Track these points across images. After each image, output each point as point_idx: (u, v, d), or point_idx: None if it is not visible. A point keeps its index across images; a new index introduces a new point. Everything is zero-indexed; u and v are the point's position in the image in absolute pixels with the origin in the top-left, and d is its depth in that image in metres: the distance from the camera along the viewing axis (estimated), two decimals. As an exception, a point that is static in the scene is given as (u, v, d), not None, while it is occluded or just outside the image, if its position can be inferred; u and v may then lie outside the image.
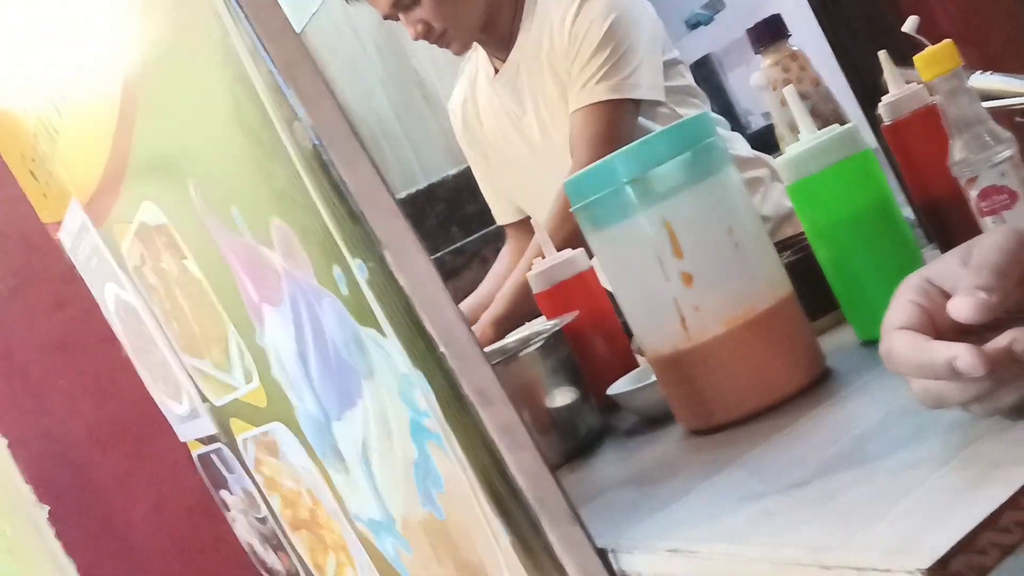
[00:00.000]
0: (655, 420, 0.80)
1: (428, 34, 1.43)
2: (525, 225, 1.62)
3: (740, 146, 1.50)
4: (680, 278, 0.66)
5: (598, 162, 0.68)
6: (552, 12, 1.42)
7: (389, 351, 0.58)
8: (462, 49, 1.48)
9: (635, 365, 0.92)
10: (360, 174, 0.53)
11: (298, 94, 0.52)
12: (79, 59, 0.81)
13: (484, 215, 1.88)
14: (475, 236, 2.91)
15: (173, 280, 0.86)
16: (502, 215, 1.64)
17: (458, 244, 2.95)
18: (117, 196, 0.87)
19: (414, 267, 0.54)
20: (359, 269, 0.56)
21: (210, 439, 1.06)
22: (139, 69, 0.71)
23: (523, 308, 1.28)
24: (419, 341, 0.55)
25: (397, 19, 1.44)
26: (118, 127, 0.79)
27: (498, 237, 2.84)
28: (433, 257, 2.93)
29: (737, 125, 2.89)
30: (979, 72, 1.12)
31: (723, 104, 3.02)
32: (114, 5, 0.71)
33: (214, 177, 0.68)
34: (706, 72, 3.11)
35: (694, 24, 3.16)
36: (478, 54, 1.55)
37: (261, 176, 0.62)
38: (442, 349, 0.54)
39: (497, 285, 1.54)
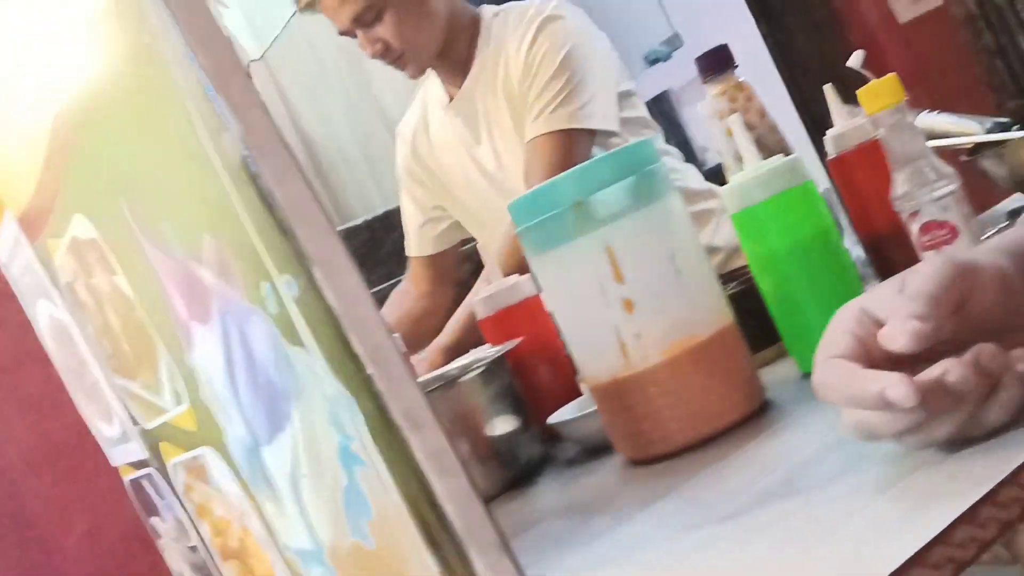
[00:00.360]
0: (596, 450, 0.79)
1: (386, 53, 1.41)
2: (434, 263, 1.60)
3: (692, 177, 1.51)
4: (621, 304, 0.65)
5: (541, 185, 0.67)
6: (508, 41, 1.42)
7: (318, 372, 0.57)
8: (418, 73, 1.47)
9: (580, 394, 0.91)
10: (290, 187, 0.51)
11: (228, 103, 0.50)
12: (11, 74, 0.79)
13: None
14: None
15: (104, 297, 0.83)
16: (419, 247, 1.62)
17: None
18: (51, 210, 0.85)
19: (344, 285, 0.52)
20: (287, 286, 0.54)
21: (141, 464, 1.02)
22: (72, 85, 0.69)
23: (473, 336, 1.27)
24: (347, 362, 0.53)
25: (355, 36, 1.43)
26: (51, 140, 0.76)
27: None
28: (389, 284, 2.91)
29: (693, 161, 2.92)
30: (927, 111, 1.14)
31: (680, 140, 3.04)
32: (46, 22, 0.69)
33: (145, 190, 0.66)
34: (664, 108, 3.14)
35: (653, 60, 3.19)
36: (431, 81, 1.54)
37: (192, 189, 0.60)
38: (370, 370, 0.52)
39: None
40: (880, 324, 0.47)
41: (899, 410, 0.44)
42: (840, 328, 0.48)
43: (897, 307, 0.46)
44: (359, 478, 0.59)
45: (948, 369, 0.44)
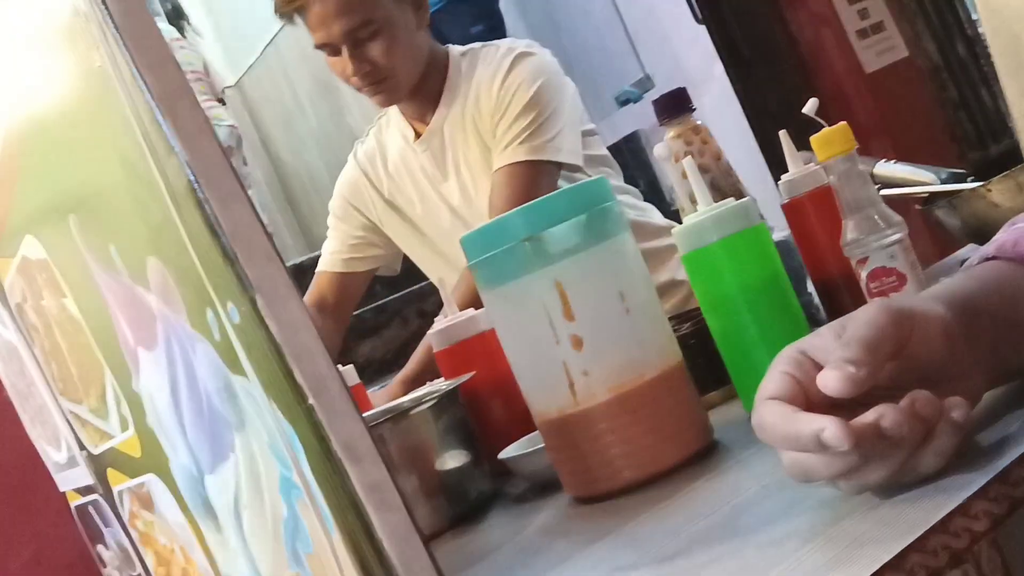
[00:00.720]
0: (545, 486, 0.78)
1: (371, 75, 1.40)
2: (340, 282, 1.58)
3: (653, 215, 1.52)
4: (570, 341, 0.65)
5: (494, 219, 0.68)
6: (479, 76, 1.43)
7: (260, 402, 0.56)
8: (391, 101, 1.47)
9: (533, 429, 0.90)
10: (235, 214, 0.51)
11: (175, 128, 0.50)
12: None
13: (409, 273, 1.85)
14: (398, 294, 2.89)
15: (53, 319, 0.82)
16: (331, 263, 1.59)
17: (380, 302, 2.93)
18: (1, 230, 0.84)
19: (287, 313, 0.52)
20: (231, 314, 0.54)
21: (87, 489, 1.01)
22: (23, 106, 0.68)
23: (434, 368, 1.26)
24: (289, 392, 0.53)
25: (334, 52, 1.41)
26: (1, 160, 0.76)
27: (421, 297, 2.83)
28: (354, 314, 2.88)
29: (662, 201, 2.95)
30: (883, 160, 1.16)
31: (649, 179, 3.07)
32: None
33: (94, 213, 0.66)
34: (634, 148, 3.17)
35: (624, 101, 3.23)
36: (391, 116, 1.55)
37: (139, 213, 0.59)
38: (311, 400, 0.52)
39: None
40: (819, 367, 0.48)
41: (834, 453, 0.44)
42: (779, 370, 0.49)
43: (834, 352, 0.47)
44: (299, 510, 0.59)
45: (883, 414, 0.44)
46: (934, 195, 1.10)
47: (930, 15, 2.57)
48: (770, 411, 0.47)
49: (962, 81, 2.62)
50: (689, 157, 0.72)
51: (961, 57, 2.63)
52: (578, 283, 0.66)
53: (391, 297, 2.93)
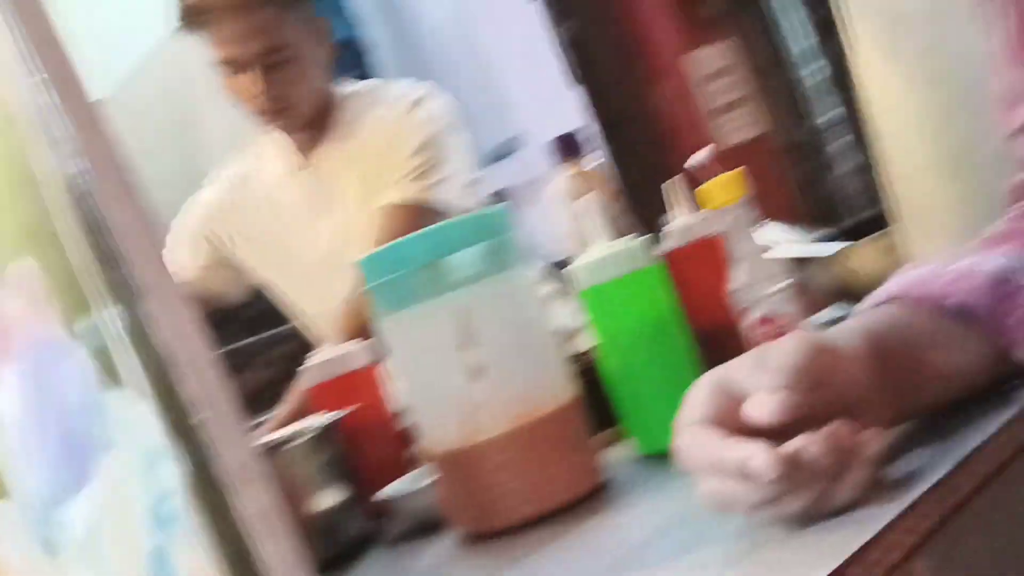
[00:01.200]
0: (427, 527, 0.75)
1: (278, 99, 1.37)
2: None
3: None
4: (467, 371, 0.63)
5: (395, 242, 0.65)
6: (377, 112, 1.44)
7: (135, 420, 0.51)
8: (287, 129, 1.44)
9: (410, 470, 0.87)
10: (125, 211, 0.47)
11: (64, 115, 0.46)
12: None
13: (267, 316, 1.79)
14: (258, 337, 2.79)
15: None
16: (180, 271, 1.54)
17: (238, 344, 2.82)
18: None
19: (176, 321, 0.48)
20: (112, 320, 0.49)
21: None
22: None
23: (308, 408, 1.22)
24: (174, 407, 0.48)
25: (241, 71, 1.35)
26: None
27: (285, 340, 2.74)
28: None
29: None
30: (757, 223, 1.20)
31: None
32: None
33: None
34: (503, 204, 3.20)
35: (494, 158, 3.26)
36: (263, 147, 1.52)
37: (11, 207, 0.54)
38: (198, 418, 0.48)
39: None
40: (738, 396, 0.47)
41: (758, 481, 0.44)
42: (702, 396, 0.48)
43: (762, 379, 0.46)
44: (169, 540, 0.54)
45: (806, 445, 0.44)
46: (802, 257, 1.14)
47: (781, 97, 2.72)
48: (695, 436, 0.46)
49: (813, 159, 2.78)
50: (593, 192, 0.72)
51: (807, 139, 2.79)
52: (478, 312, 0.64)
53: (249, 340, 2.83)
